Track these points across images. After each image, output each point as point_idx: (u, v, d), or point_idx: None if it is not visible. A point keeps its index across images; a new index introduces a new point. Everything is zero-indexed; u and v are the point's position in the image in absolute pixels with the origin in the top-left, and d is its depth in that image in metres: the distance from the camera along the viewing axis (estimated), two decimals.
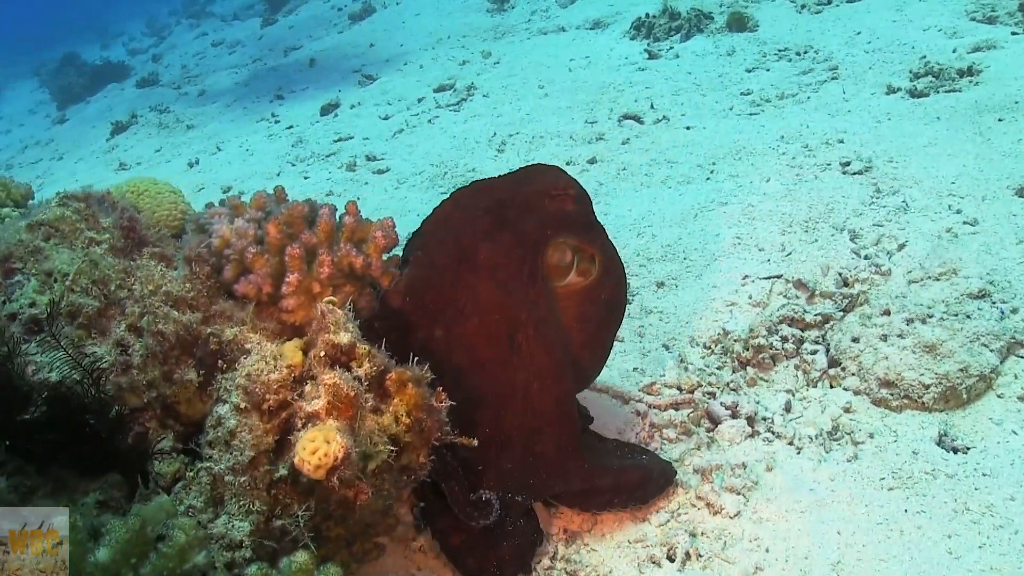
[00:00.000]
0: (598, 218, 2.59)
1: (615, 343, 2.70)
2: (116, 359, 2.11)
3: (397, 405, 1.97)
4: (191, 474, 2.09)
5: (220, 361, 2.13)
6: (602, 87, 6.75)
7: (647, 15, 8.05)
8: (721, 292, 3.56)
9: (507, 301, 2.31)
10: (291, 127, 8.57)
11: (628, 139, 5.51)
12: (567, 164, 5.34)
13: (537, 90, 7.28)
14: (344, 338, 1.94)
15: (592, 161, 5.28)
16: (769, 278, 3.56)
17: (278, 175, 7.05)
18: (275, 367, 2.03)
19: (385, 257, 2.42)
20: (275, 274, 2.17)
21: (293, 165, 7.20)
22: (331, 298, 2.07)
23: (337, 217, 2.33)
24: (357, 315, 2.31)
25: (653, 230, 4.17)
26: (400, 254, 2.54)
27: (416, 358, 2.07)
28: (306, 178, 6.68)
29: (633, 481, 2.53)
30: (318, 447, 1.77)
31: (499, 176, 2.59)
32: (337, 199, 5.98)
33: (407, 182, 5.96)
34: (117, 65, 15.89)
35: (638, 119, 5.83)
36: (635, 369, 3.19)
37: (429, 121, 7.42)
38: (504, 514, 2.37)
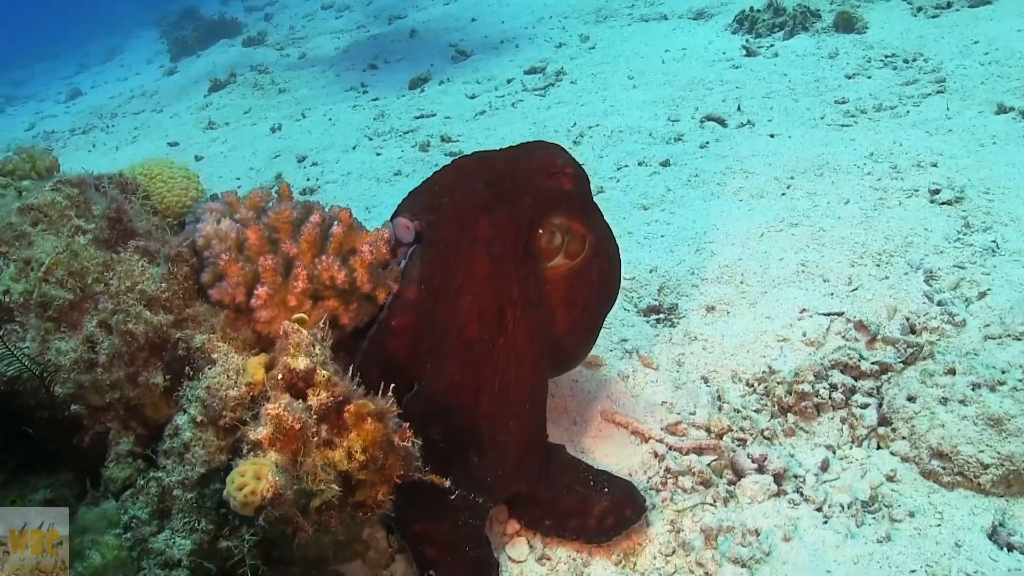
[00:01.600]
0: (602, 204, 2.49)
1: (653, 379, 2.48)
2: (80, 356, 2.01)
3: (352, 440, 1.80)
4: (141, 482, 1.99)
5: (187, 367, 2.01)
6: (691, 83, 6.42)
7: (751, 9, 7.64)
8: (774, 324, 3.28)
9: (500, 276, 2.27)
10: (376, 99, 8.50)
11: (707, 143, 5.20)
12: (639, 164, 5.08)
13: (626, 80, 7.00)
14: (302, 363, 1.79)
15: (665, 164, 5.00)
16: (829, 314, 3.26)
17: (353, 148, 6.97)
18: (235, 383, 1.90)
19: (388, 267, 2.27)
20: (249, 283, 2.03)
21: (370, 139, 7.11)
22: (300, 315, 1.92)
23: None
24: (339, 331, 2.17)
25: (714, 247, 3.89)
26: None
27: (394, 386, 1.93)
28: (378, 154, 6.57)
29: (604, 507, 2.40)
30: (246, 483, 1.63)
31: (501, 149, 2.56)
32: (404, 180, 5.90)
33: None
34: (231, 21, 16.14)
35: (721, 122, 5.50)
36: (663, 403, 2.95)
37: (512, 104, 7.22)
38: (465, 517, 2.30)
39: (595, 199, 4.40)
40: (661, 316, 3.45)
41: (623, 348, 3.26)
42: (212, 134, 8.67)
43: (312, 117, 8.36)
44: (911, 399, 2.70)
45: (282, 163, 6.98)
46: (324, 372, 1.82)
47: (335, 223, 2.14)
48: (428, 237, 2.32)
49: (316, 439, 1.76)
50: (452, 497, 2.17)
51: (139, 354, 2.01)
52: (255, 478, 1.66)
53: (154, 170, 2.64)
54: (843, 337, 3.14)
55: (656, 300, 3.51)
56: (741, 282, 3.59)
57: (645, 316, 3.46)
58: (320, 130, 7.80)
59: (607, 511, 2.41)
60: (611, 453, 2.73)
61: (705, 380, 3.08)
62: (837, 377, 2.90)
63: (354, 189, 5.86)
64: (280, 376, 1.82)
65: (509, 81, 8.06)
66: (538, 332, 2.33)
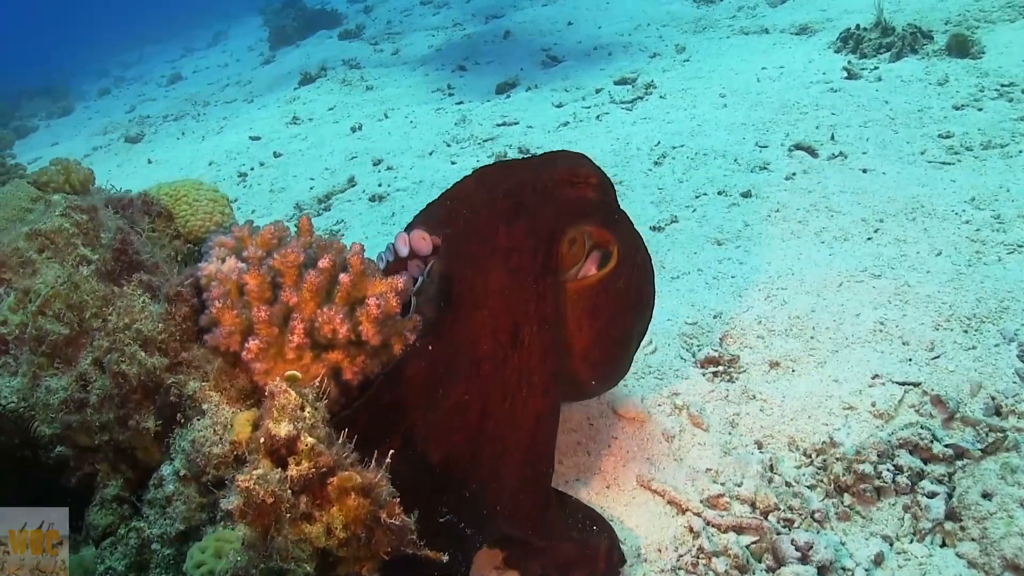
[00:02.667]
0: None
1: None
2: (71, 395, 1.91)
3: (333, 515, 1.65)
4: (122, 531, 1.88)
5: (179, 414, 1.89)
6: (785, 106, 6.08)
7: (858, 27, 7.21)
8: (842, 389, 3.00)
9: (516, 290, 2.19)
10: (461, 103, 8.38)
11: (794, 174, 4.88)
12: (719, 194, 4.81)
13: (717, 99, 6.69)
14: (284, 430, 1.64)
15: (746, 194, 4.71)
16: (904, 384, 2.96)
17: (430, 154, 6.87)
18: (220, 439, 1.79)
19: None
20: (244, 332, 1.89)
21: (448, 146, 6.99)
22: (293, 373, 1.77)
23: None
24: (344, 388, 2.02)
25: (787, 294, 3.61)
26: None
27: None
28: (453, 163, 6.46)
29: (607, 544, 2.30)
30: (204, 561, 1.49)
31: (523, 158, 2.72)
32: None
33: None
34: (331, 13, 16.28)
35: (812, 151, 5.16)
36: (708, 470, 2.72)
37: (597, 117, 7.00)
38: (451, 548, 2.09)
39: (669, 228, 4.18)
40: (720, 369, 3.20)
41: (673, 403, 3.03)
42: (294, 129, 8.70)
43: (394, 118, 8.31)
44: (987, 496, 2.41)
45: (357, 165, 6.93)
46: (309, 440, 1.66)
47: (346, 268, 1.99)
48: (444, 251, 2.25)
49: (292, 513, 1.61)
50: (441, 520, 2.01)
51: (131, 396, 1.91)
52: (215, 556, 1.53)
53: (180, 191, 2.55)
54: (917, 411, 2.84)
55: (716, 351, 3.26)
56: (811, 337, 3.31)
57: (702, 368, 3.22)
58: (400, 132, 7.73)
59: (611, 547, 2.29)
60: (642, 524, 2.51)
61: (759, 446, 2.83)
62: (904, 458, 2.62)
63: (424, 199, 5.71)
64: (263, 439, 1.68)
65: (597, 91, 7.84)
66: (552, 352, 2.21)
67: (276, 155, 7.82)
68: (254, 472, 1.61)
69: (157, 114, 12.27)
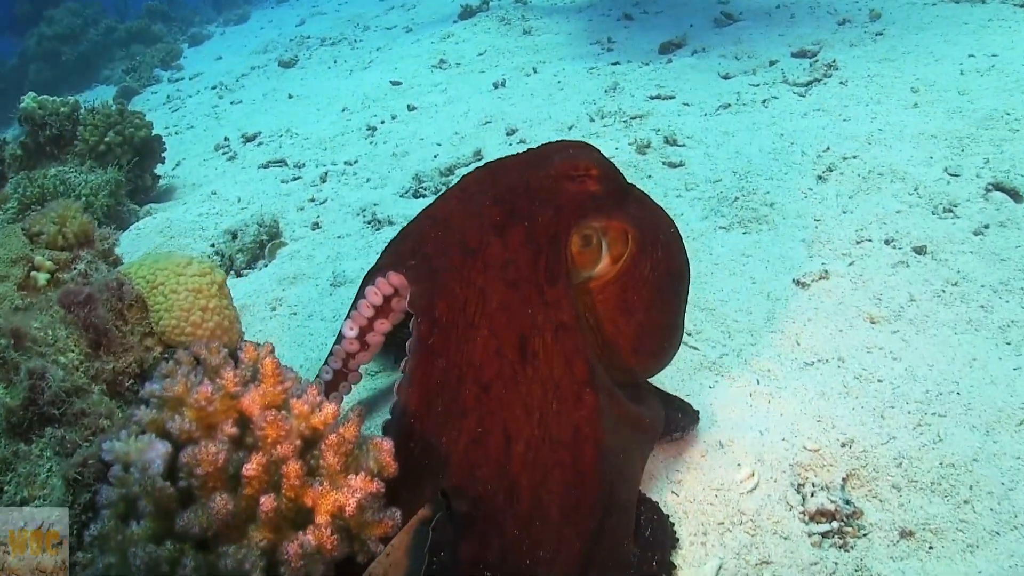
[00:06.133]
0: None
1: None
2: None
3: None
4: None
5: None
6: (991, 116, 5.00)
7: None
8: None
9: (518, 303, 2.04)
10: (617, 63, 7.59)
11: (986, 227, 3.94)
12: (886, 242, 3.95)
13: (907, 94, 5.65)
14: None
15: (920, 250, 3.83)
16: None
17: (569, 129, 6.20)
18: None
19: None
20: None
21: (591, 120, 6.29)
22: None
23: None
24: None
25: (945, 425, 2.82)
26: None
27: None
28: None
29: None
30: None
31: (513, 155, 2.37)
32: None
33: (689, 194, 4.85)
34: None
35: (1015, 195, 4.16)
36: None
37: (764, 102, 6.10)
38: None
39: (815, 287, 3.46)
40: (832, 527, 2.51)
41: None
42: (437, 76, 8.18)
43: (542, 74, 7.63)
44: None
45: (488, 133, 6.36)
46: None
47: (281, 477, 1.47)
48: (414, 293, 2.12)
49: None
50: None
51: None
52: None
53: (158, 276, 2.10)
54: None
55: (832, 500, 2.56)
56: (966, 502, 2.55)
57: (807, 521, 2.53)
58: (544, 94, 7.07)
59: None
60: None
61: None
62: None
63: None
64: None
65: (771, 63, 6.89)
66: (579, 358, 2.03)
67: (410, 108, 7.35)
68: None
69: (317, 35, 12.06)
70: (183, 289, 2.07)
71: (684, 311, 2.50)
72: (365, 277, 2.48)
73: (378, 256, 2.53)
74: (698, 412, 2.81)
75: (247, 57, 12.13)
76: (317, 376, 2.74)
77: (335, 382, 2.68)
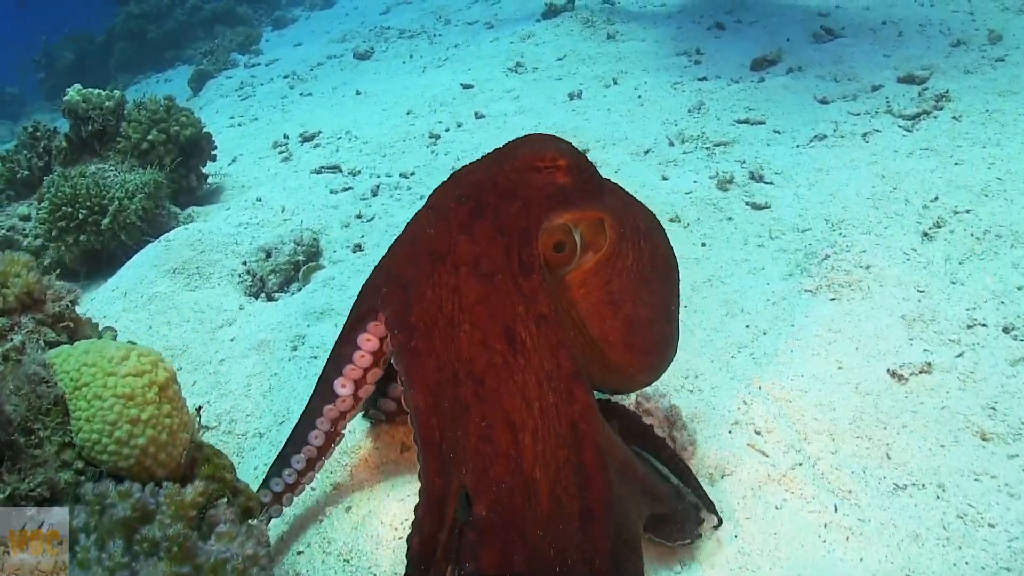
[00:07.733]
0: None
1: None
2: None
3: None
4: None
5: None
6: None
7: None
8: None
9: (496, 294, 2.00)
10: (704, 79, 7.00)
11: None
12: (1004, 331, 3.34)
13: None
14: None
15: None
16: None
17: (645, 154, 5.68)
18: None
19: None
20: None
21: (670, 144, 5.76)
22: None
23: None
24: None
25: None
26: None
27: None
28: (665, 178, 5.21)
29: None
30: None
31: (481, 157, 2.29)
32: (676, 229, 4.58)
33: (772, 243, 4.30)
34: None
35: None
36: None
37: (864, 136, 5.46)
38: None
39: (914, 381, 3.03)
40: None
41: None
42: (511, 81, 7.71)
43: (622, 86, 7.09)
44: None
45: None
46: None
47: None
48: (388, 315, 2.12)
49: None
50: None
51: None
52: None
53: (83, 375, 1.69)
54: None
55: None
56: None
57: None
58: (622, 110, 6.54)
59: None
60: None
61: None
62: None
63: None
64: None
65: (874, 89, 6.22)
66: (563, 352, 1.99)
67: (478, 116, 6.90)
68: None
69: (397, 26, 11.70)
70: (109, 395, 1.66)
71: (677, 305, 2.40)
72: (343, 331, 2.35)
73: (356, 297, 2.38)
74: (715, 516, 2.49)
75: (325, 45, 11.85)
76: (264, 486, 2.43)
77: (323, 449, 2.43)
